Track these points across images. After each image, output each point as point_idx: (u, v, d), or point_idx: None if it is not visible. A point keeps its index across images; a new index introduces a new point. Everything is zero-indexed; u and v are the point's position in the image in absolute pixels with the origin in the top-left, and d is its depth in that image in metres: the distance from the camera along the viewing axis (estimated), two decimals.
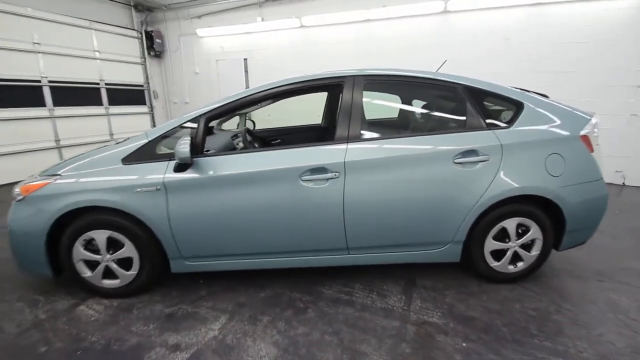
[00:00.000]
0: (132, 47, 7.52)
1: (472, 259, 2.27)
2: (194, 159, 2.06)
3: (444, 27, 5.69)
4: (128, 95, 7.47)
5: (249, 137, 2.75)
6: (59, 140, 6.15)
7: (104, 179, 2.07)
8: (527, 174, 2.09)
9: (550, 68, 5.19)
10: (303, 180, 2.04)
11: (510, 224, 2.19)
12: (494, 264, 2.28)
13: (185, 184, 2.05)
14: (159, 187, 2.04)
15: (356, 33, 6.25)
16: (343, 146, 2.08)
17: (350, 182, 2.04)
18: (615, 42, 4.82)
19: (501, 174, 2.08)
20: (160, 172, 2.05)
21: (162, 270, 2.27)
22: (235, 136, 3.00)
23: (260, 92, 2.19)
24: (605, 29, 4.83)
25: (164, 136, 2.17)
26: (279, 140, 3.59)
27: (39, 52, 5.75)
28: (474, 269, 2.33)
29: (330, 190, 2.05)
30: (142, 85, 7.78)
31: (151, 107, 8.02)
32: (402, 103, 2.65)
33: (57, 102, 6.06)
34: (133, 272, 2.22)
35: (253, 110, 3.91)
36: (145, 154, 2.11)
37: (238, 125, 3.87)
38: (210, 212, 2.08)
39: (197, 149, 2.09)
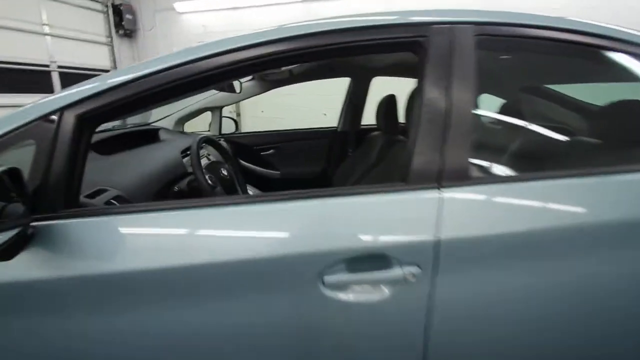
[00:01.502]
0: (95, 23, 6.12)
1: None
2: (44, 222, 0.77)
3: None
4: None
5: (209, 157, 1.37)
6: None
7: None
8: None
9: None
10: (327, 286, 0.77)
11: None
12: None
13: (10, 292, 0.77)
14: None
15: (377, 7, 4.93)
16: (430, 195, 0.79)
17: (448, 292, 0.77)
18: None
19: None
20: None
21: None
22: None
23: (220, 53, 0.91)
24: None
25: None
26: (271, 151, 2.29)
27: None
28: None
29: (395, 311, 0.78)
30: (108, 70, 6.41)
31: None
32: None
33: None
34: None
35: (232, 103, 2.60)
36: None
37: (210, 125, 2.57)
38: None
39: (54, 192, 0.79)
